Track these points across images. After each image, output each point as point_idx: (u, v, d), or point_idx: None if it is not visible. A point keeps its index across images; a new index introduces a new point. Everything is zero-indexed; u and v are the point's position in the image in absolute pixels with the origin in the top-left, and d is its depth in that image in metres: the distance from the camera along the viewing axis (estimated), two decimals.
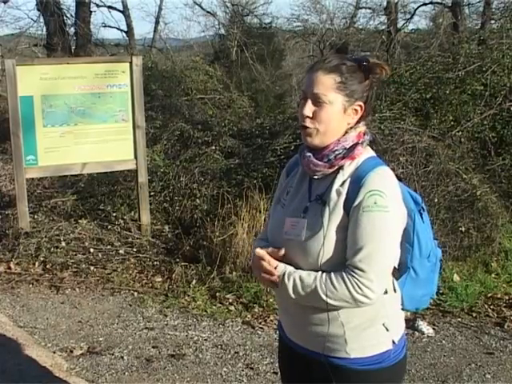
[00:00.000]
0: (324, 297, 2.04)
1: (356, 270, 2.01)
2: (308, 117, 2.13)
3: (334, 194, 2.09)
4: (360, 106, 2.14)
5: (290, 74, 18.10)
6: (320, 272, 2.06)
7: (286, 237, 2.16)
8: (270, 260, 2.14)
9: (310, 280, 2.06)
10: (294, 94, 14.40)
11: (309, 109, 2.13)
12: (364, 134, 2.18)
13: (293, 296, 2.10)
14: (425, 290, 2.28)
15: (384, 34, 18.27)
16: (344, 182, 2.10)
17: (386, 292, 2.14)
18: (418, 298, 2.27)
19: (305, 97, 2.15)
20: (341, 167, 2.13)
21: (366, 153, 2.17)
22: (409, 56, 12.57)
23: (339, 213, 2.07)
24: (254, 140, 8.30)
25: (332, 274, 2.04)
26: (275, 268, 2.13)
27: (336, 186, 2.11)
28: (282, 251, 2.15)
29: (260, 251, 2.16)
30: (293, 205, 2.21)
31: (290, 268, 2.11)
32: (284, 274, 2.10)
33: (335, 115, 2.12)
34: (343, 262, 2.05)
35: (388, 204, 2.03)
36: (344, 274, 2.03)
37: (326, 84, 2.10)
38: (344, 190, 2.08)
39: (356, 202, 2.03)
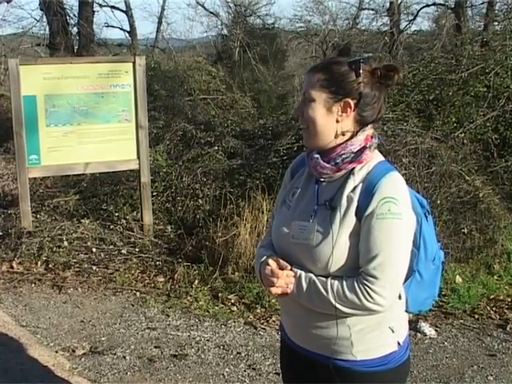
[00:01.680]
0: (337, 305, 2.04)
1: (369, 278, 2.00)
2: (299, 115, 2.18)
3: (344, 200, 2.08)
4: (348, 103, 2.09)
5: (292, 74, 18.09)
6: (331, 279, 2.06)
7: (294, 240, 2.14)
8: (285, 275, 2.12)
9: (322, 288, 2.05)
10: (297, 95, 14.38)
11: (298, 107, 2.18)
12: (372, 137, 2.15)
13: (306, 301, 2.10)
14: (428, 292, 2.28)
15: (387, 35, 18.26)
16: (355, 188, 2.08)
17: (400, 297, 2.15)
18: (422, 300, 2.27)
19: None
20: (351, 172, 2.11)
21: (375, 157, 2.15)
22: (411, 57, 12.57)
23: (351, 219, 2.05)
24: (256, 140, 8.30)
25: (344, 282, 2.04)
26: (290, 283, 2.12)
27: (347, 191, 2.09)
28: (289, 268, 2.13)
29: (276, 271, 2.13)
30: (300, 207, 2.20)
31: (302, 272, 2.11)
32: (300, 278, 2.10)
33: (319, 112, 2.11)
34: (353, 267, 2.05)
35: (401, 211, 2.02)
36: (355, 283, 2.02)
37: (312, 82, 2.12)
38: (355, 197, 2.07)
39: (369, 210, 2.02)
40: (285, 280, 2.12)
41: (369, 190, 2.05)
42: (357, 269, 2.05)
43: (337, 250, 2.04)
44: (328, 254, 2.05)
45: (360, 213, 2.05)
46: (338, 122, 2.11)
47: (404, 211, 2.04)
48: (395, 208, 2.02)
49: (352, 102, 2.09)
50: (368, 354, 2.13)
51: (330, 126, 2.11)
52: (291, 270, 2.12)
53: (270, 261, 2.16)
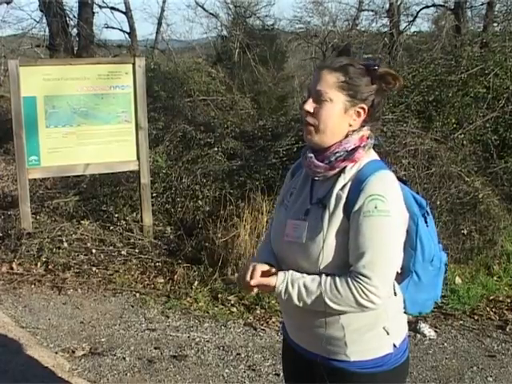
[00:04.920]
0: (329, 302, 2.04)
1: (360, 277, 2.00)
2: (309, 112, 2.13)
3: (334, 198, 2.09)
4: (363, 108, 2.13)
5: (292, 75, 18.06)
6: (324, 277, 2.06)
7: (287, 239, 2.16)
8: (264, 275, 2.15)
9: (314, 287, 2.05)
10: (297, 96, 14.37)
11: (310, 105, 2.13)
12: (367, 138, 2.17)
13: (297, 303, 2.09)
14: (428, 294, 2.27)
15: (386, 37, 18.23)
16: (345, 186, 2.10)
17: (395, 294, 2.15)
18: (421, 302, 2.27)
19: (309, 93, 2.16)
20: (342, 170, 2.12)
21: (368, 156, 2.16)
22: (411, 58, 12.56)
23: (339, 217, 2.07)
24: (256, 142, 8.31)
25: (337, 279, 2.04)
26: (275, 275, 2.13)
27: (337, 189, 2.10)
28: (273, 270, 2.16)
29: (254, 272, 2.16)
30: (295, 207, 2.22)
31: (292, 275, 2.10)
32: (287, 283, 2.09)
33: (335, 114, 2.11)
34: (343, 265, 2.06)
35: (389, 208, 2.02)
36: (349, 279, 2.02)
37: (329, 82, 2.10)
38: (344, 194, 2.08)
39: (356, 207, 2.03)
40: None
41: (357, 188, 2.06)
42: (348, 266, 2.05)
43: (326, 247, 2.06)
44: (318, 252, 2.06)
45: (348, 210, 2.06)
46: (350, 125, 2.14)
47: (392, 208, 2.04)
48: (382, 205, 2.02)
49: (366, 108, 2.13)
50: (362, 355, 2.13)
51: (342, 127, 2.13)
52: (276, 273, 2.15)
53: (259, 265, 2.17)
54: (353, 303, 2.03)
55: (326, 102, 2.10)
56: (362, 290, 2.00)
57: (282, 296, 2.11)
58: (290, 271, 2.12)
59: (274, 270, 2.16)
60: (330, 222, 2.07)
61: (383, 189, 2.04)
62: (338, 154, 2.12)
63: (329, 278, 2.05)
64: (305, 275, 2.09)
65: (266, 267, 2.16)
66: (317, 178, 2.17)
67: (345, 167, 2.12)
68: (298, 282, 2.08)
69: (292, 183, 2.32)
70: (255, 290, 2.17)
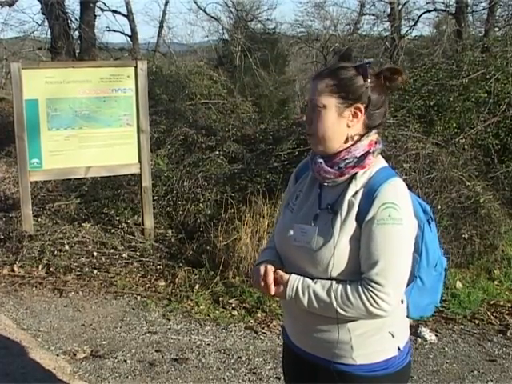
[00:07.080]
0: (340, 310, 2.05)
1: (373, 284, 2.01)
2: (307, 123, 2.16)
3: (345, 205, 2.09)
4: (358, 108, 2.11)
5: (293, 79, 18.13)
6: (334, 284, 2.06)
7: (296, 243, 2.15)
8: (279, 275, 2.16)
9: (324, 295, 2.06)
10: (298, 100, 14.41)
11: (307, 116, 2.16)
12: (376, 143, 2.16)
13: (307, 308, 2.11)
14: (430, 298, 2.28)
15: (387, 41, 18.25)
16: (357, 193, 2.09)
17: (402, 302, 2.16)
18: (423, 306, 2.28)
19: (306, 106, 2.19)
20: (353, 176, 2.11)
21: (378, 162, 2.15)
22: (412, 63, 12.58)
23: (351, 224, 2.06)
24: (257, 145, 8.32)
25: (348, 287, 2.05)
26: (286, 281, 2.14)
27: (348, 196, 2.10)
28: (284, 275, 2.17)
29: (266, 272, 2.18)
30: (302, 211, 2.21)
31: (302, 281, 2.11)
32: (297, 290, 2.11)
33: (329, 119, 2.11)
34: (354, 272, 2.06)
35: (402, 216, 2.03)
36: (360, 287, 2.03)
37: (320, 89, 2.12)
38: (356, 201, 2.08)
39: (369, 215, 2.03)
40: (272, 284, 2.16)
41: (369, 196, 2.06)
42: (358, 273, 2.06)
43: (337, 253, 2.06)
44: (328, 258, 2.06)
45: (360, 218, 2.06)
46: (348, 127, 2.13)
47: (405, 217, 2.05)
48: (395, 213, 2.02)
49: (362, 107, 2.11)
50: (368, 358, 2.14)
51: (340, 131, 2.12)
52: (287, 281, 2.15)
53: (269, 267, 2.18)
54: (363, 311, 2.04)
55: (320, 108, 2.11)
56: (373, 298, 2.01)
57: (292, 300, 2.13)
58: (301, 277, 2.12)
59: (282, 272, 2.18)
60: (341, 228, 2.07)
61: (396, 197, 2.05)
62: (347, 161, 2.12)
63: (340, 285, 2.06)
64: (316, 281, 2.09)
65: (273, 268, 2.18)
66: (326, 184, 2.18)
67: (355, 173, 2.12)
68: (309, 290, 2.09)
69: (298, 186, 2.31)
70: (272, 289, 2.16)
